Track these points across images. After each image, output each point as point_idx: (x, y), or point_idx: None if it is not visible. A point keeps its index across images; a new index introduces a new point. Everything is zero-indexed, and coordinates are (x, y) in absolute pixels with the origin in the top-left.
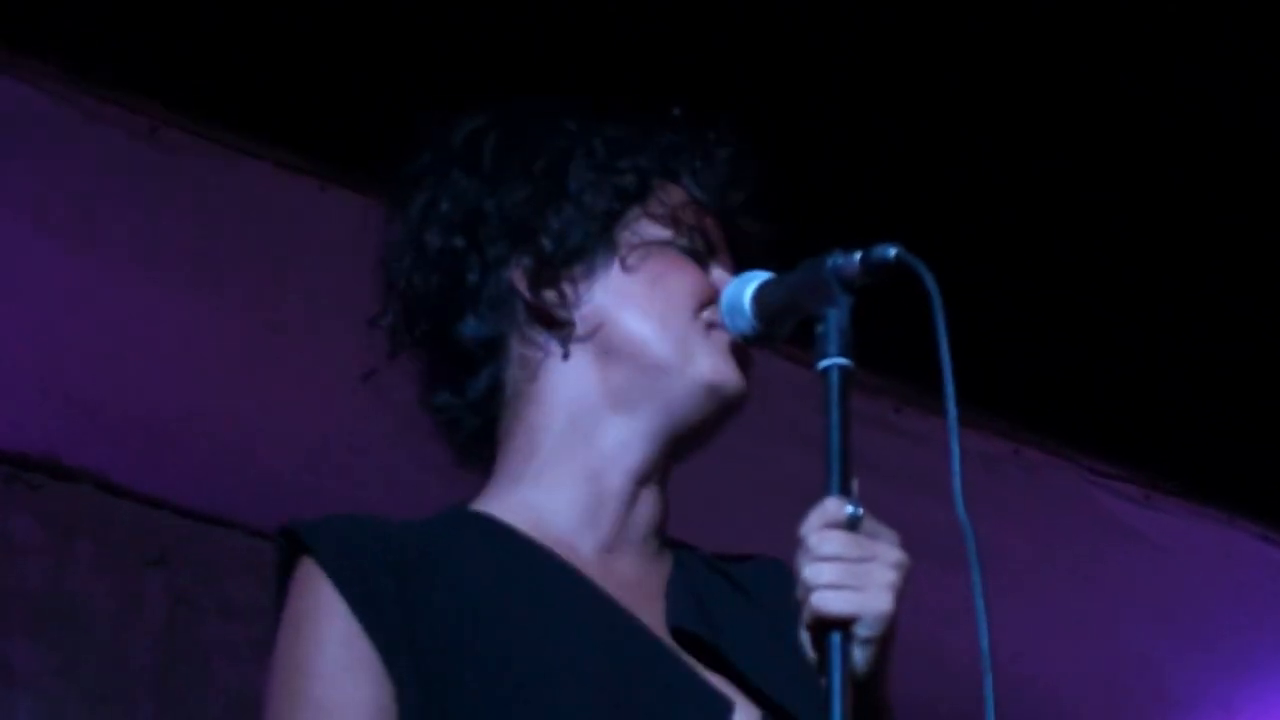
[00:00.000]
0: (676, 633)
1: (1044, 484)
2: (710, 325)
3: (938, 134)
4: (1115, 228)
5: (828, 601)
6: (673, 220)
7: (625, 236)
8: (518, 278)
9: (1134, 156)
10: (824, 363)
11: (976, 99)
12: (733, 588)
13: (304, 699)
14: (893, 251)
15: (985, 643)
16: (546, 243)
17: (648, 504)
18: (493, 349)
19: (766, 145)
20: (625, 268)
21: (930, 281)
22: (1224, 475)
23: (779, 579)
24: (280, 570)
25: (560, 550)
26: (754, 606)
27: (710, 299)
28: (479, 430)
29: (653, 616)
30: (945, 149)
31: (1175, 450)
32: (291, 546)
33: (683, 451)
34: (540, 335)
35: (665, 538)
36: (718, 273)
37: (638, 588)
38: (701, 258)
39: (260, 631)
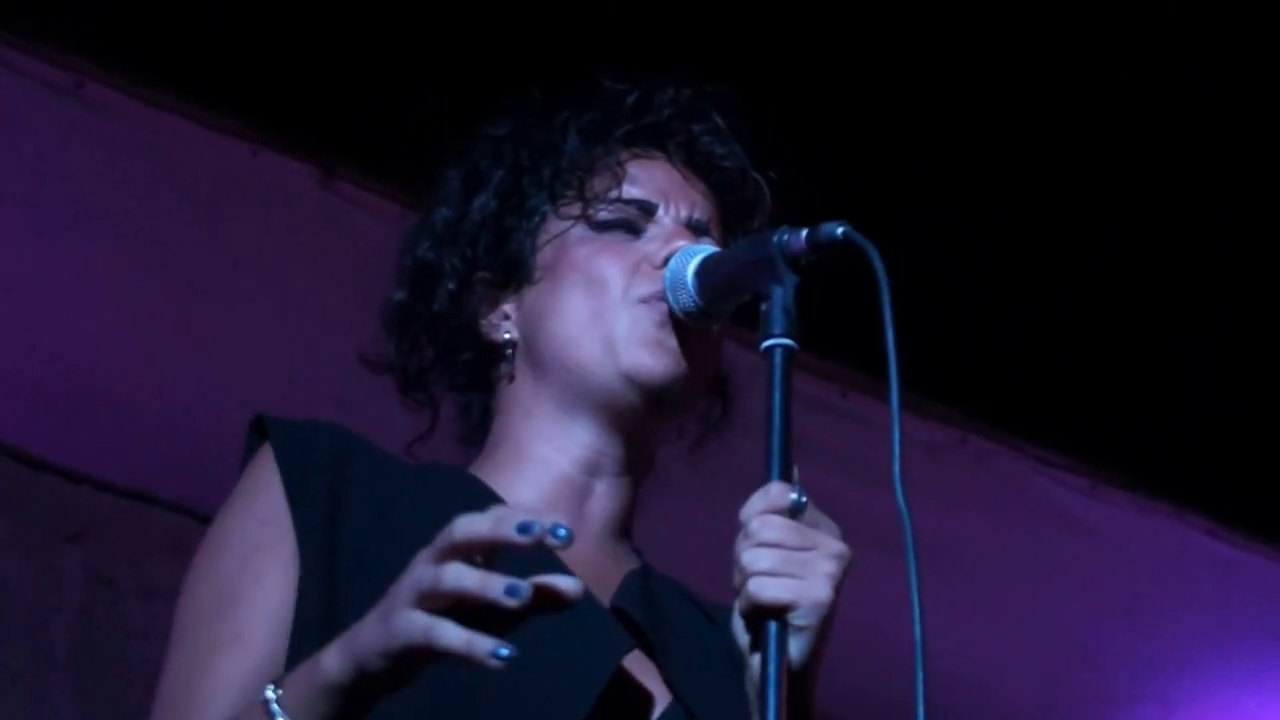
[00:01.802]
0: (617, 613)
1: (990, 473)
2: (643, 299)
3: (890, 115)
4: (1068, 217)
5: (765, 588)
6: (582, 202)
7: (541, 240)
8: (465, 314)
9: (1086, 144)
10: (767, 342)
11: (927, 82)
12: (700, 613)
13: (212, 569)
14: (840, 230)
15: (918, 632)
16: (468, 277)
17: (604, 497)
18: (478, 380)
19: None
20: (544, 273)
21: (877, 261)
22: (1173, 469)
23: None
24: (245, 456)
25: None
26: (715, 633)
27: (636, 266)
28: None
29: (601, 599)
30: (897, 131)
31: (1124, 442)
32: (258, 435)
33: (635, 441)
34: (495, 359)
35: (635, 549)
36: (655, 228)
37: (594, 573)
38: (629, 224)
39: None
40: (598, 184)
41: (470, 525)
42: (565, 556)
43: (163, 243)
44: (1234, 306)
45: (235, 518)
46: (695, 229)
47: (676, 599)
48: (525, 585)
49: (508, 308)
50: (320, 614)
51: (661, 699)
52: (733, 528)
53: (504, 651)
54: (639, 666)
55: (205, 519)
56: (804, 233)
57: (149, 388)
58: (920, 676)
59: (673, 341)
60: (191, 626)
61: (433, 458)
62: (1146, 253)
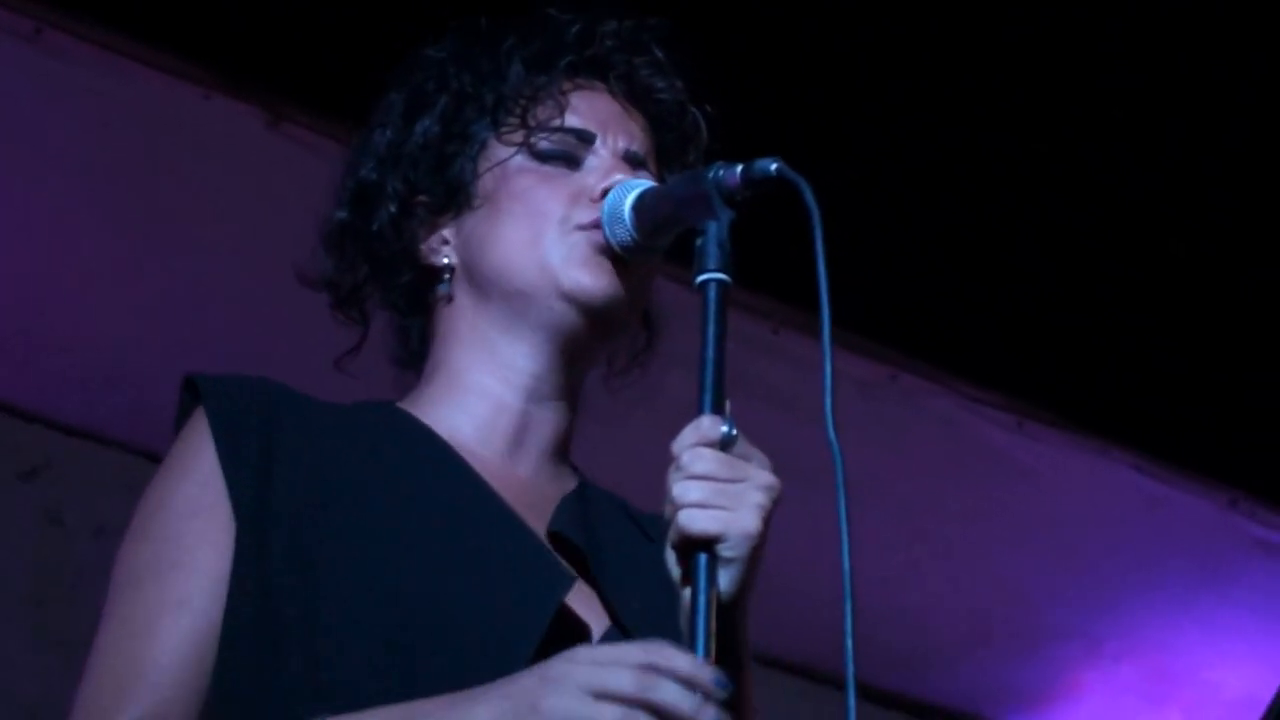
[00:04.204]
0: (554, 538)
1: (920, 410)
2: (580, 226)
3: (822, 50)
4: (997, 156)
5: (694, 520)
6: (525, 130)
7: (482, 167)
8: (405, 237)
9: (1018, 84)
10: (701, 277)
11: (860, 22)
12: (639, 530)
13: (150, 534)
14: (774, 165)
15: (846, 567)
16: (409, 200)
17: (544, 421)
18: (415, 303)
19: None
20: (484, 200)
21: (810, 198)
22: (1100, 404)
23: None
24: (179, 416)
25: (463, 455)
26: (653, 550)
27: (575, 197)
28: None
29: (538, 524)
30: (832, 69)
31: (1052, 379)
32: (191, 396)
33: (575, 365)
34: (433, 283)
35: (573, 465)
36: (593, 160)
37: (531, 496)
38: (568, 154)
39: None
40: (541, 112)
41: None
42: (504, 484)
43: (117, 185)
44: (1158, 242)
45: (172, 481)
46: (632, 161)
47: (615, 517)
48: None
49: (447, 233)
50: (256, 575)
51: (599, 623)
52: (664, 461)
53: None
54: (577, 591)
55: (156, 459)
56: (739, 168)
57: (102, 329)
58: (849, 610)
59: (610, 266)
60: (132, 589)
61: (367, 375)
62: (1074, 191)
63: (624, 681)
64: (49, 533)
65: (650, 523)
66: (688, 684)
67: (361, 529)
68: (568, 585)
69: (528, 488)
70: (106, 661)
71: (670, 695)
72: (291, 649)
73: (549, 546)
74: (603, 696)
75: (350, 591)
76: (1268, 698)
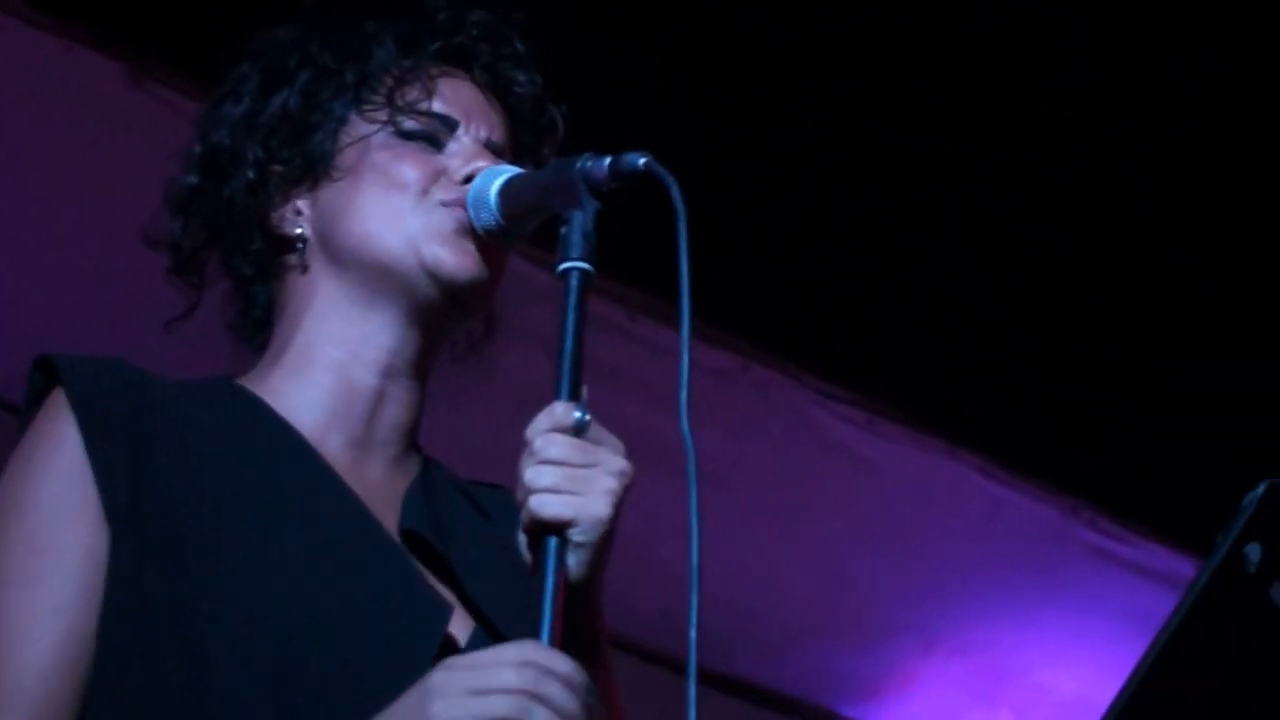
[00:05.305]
0: (407, 535)
1: (770, 401)
2: (444, 203)
3: (681, 42)
4: (852, 149)
5: (546, 504)
6: (390, 109)
7: (343, 141)
8: (257, 205)
9: (873, 82)
10: (564, 265)
11: (732, 14)
12: (474, 508)
13: (15, 531)
14: (642, 161)
15: (695, 557)
16: (265, 168)
17: (396, 402)
18: (262, 272)
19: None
20: (344, 172)
21: (677, 195)
22: (949, 407)
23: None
24: (31, 397)
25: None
26: (491, 528)
27: (436, 176)
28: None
29: (389, 520)
30: (693, 57)
31: (902, 378)
32: (46, 377)
33: (430, 342)
34: (283, 253)
35: (416, 445)
36: (455, 145)
37: (380, 490)
38: (432, 136)
39: None
40: (407, 93)
41: None
42: (355, 476)
43: None
44: (1012, 245)
45: (35, 476)
46: (493, 150)
47: (454, 498)
48: None
49: (301, 204)
50: (130, 580)
51: (464, 624)
52: (518, 443)
53: None
54: (440, 589)
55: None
56: (607, 161)
57: None
58: (694, 599)
59: (471, 246)
60: (1, 589)
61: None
62: (928, 191)
63: (507, 678)
64: None
65: (481, 494)
66: (565, 681)
67: (232, 532)
68: (448, 614)
69: (376, 483)
70: None
71: (552, 689)
72: (168, 656)
73: (407, 550)
74: (488, 693)
75: (227, 602)
76: (1098, 700)
